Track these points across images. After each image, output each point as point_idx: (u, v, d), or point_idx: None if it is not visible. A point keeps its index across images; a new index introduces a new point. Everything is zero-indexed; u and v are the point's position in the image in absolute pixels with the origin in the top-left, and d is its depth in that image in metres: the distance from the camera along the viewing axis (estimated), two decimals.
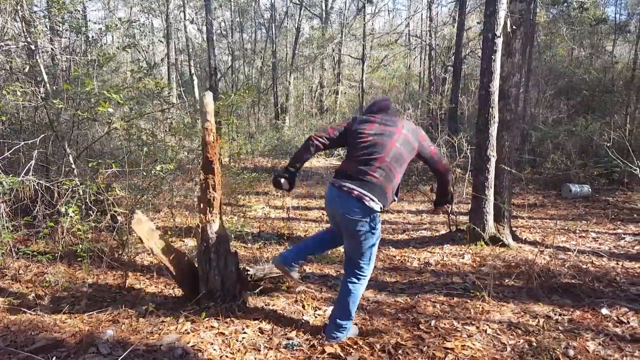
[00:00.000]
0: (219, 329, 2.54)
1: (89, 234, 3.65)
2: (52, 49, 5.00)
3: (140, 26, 14.55)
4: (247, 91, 6.19)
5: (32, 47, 4.56)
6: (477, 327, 2.62)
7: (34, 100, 4.21)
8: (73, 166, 4.24)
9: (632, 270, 3.64)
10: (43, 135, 4.10)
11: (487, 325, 2.65)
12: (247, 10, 19.58)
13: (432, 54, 15.25)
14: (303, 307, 2.90)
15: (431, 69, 15.33)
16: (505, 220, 4.51)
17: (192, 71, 16.64)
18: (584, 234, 4.93)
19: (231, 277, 2.82)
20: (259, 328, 2.57)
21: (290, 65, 17.90)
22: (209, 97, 2.66)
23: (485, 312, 2.86)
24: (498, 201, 4.42)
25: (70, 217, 3.46)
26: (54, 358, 2.21)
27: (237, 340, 2.43)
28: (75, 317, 2.75)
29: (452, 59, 12.36)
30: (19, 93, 3.81)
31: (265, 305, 2.90)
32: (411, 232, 5.22)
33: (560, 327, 2.62)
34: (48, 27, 5.24)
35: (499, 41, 4.19)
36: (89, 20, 10.78)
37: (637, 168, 4.94)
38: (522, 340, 2.47)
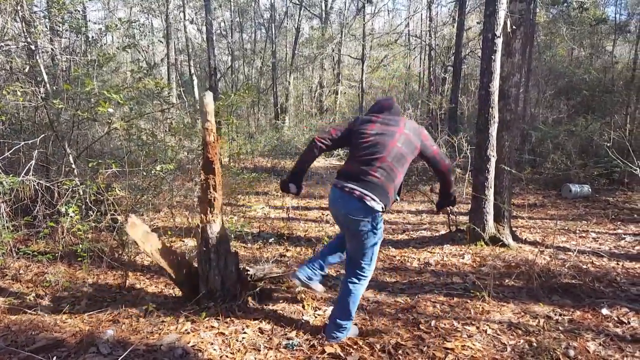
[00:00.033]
0: (219, 329, 2.55)
1: (89, 233, 3.65)
2: (52, 49, 5.00)
3: (140, 26, 14.55)
4: (246, 91, 6.19)
5: (32, 47, 4.57)
6: (477, 327, 2.62)
7: (34, 100, 4.21)
8: (73, 166, 4.24)
9: (633, 271, 3.64)
10: (43, 135, 4.11)
11: (487, 325, 2.65)
12: (247, 11, 19.59)
13: (432, 54, 15.25)
14: (303, 307, 2.90)
15: (431, 69, 15.32)
16: (505, 220, 4.50)
17: (192, 71, 16.64)
18: (584, 234, 4.93)
19: (231, 277, 2.82)
20: (259, 328, 2.57)
21: (290, 66, 17.91)
22: (209, 97, 2.65)
23: (485, 312, 2.86)
24: (498, 201, 4.42)
25: (71, 217, 3.46)
26: (55, 358, 2.21)
27: (237, 340, 2.43)
28: (76, 317, 2.75)
29: (452, 59, 12.35)
30: (19, 93, 3.82)
31: (265, 305, 2.90)
32: (411, 232, 5.21)
33: (560, 328, 2.62)
34: (48, 27, 5.24)
35: (499, 41, 4.19)
36: (89, 21, 10.80)
37: (638, 168, 4.94)
38: (522, 341, 2.47)
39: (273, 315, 2.75)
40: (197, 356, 2.27)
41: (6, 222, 3.49)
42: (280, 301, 2.97)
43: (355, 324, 2.60)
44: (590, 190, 7.10)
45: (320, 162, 11.36)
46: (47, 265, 3.63)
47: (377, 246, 2.37)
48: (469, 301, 3.02)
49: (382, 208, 2.27)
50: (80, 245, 3.42)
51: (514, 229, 4.80)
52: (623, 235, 4.85)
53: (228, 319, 2.65)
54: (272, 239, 4.67)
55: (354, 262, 2.39)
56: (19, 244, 4.02)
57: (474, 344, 2.41)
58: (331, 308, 2.66)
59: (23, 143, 3.86)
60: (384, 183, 2.26)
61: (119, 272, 3.53)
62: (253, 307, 2.86)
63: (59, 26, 5.39)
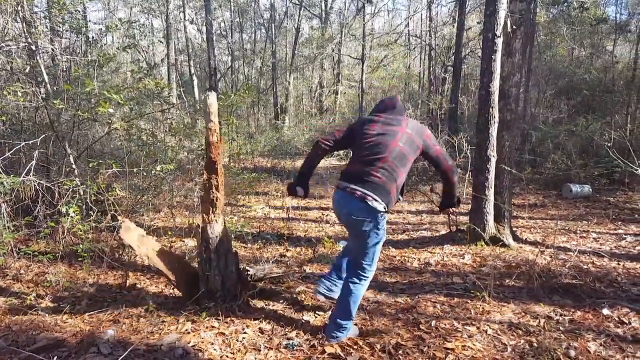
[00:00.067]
0: (219, 328, 2.55)
1: (89, 234, 3.66)
2: (52, 49, 5.01)
3: (140, 27, 14.54)
4: (246, 91, 6.19)
5: (33, 47, 4.57)
6: (478, 328, 2.62)
7: (35, 100, 4.22)
8: (73, 166, 4.25)
9: (634, 271, 3.64)
10: (44, 135, 4.11)
11: (488, 325, 2.65)
12: (247, 11, 19.61)
13: (432, 54, 15.23)
14: (303, 307, 2.90)
15: (431, 69, 15.30)
16: (506, 220, 4.50)
17: (192, 71, 16.66)
18: (584, 234, 4.93)
19: (231, 277, 2.82)
20: (259, 328, 2.58)
21: (290, 66, 17.91)
22: (212, 97, 2.64)
23: (485, 312, 2.86)
24: (498, 201, 4.42)
25: (71, 217, 3.46)
26: (55, 358, 2.21)
27: (237, 340, 2.43)
28: (76, 317, 2.75)
29: (452, 59, 12.34)
30: (19, 93, 3.82)
31: (266, 305, 2.90)
32: (411, 233, 5.21)
33: (561, 328, 2.62)
34: (48, 27, 5.25)
35: (499, 41, 4.19)
36: (89, 21, 10.79)
37: (638, 168, 4.94)
38: (522, 341, 2.47)
39: (273, 315, 2.75)
40: (197, 356, 2.27)
41: (7, 222, 3.50)
42: (281, 301, 2.97)
43: (356, 324, 2.60)
44: (590, 190, 7.09)
45: (320, 162, 11.36)
46: (48, 265, 3.63)
47: (378, 246, 2.37)
48: (469, 301, 3.02)
49: (384, 208, 2.28)
50: (81, 245, 3.43)
51: (514, 229, 4.80)
52: (624, 236, 4.85)
53: (228, 319, 2.65)
54: (273, 239, 4.67)
55: (356, 262, 2.40)
56: (19, 244, 4.02)
57: (474, 344, 2.41)
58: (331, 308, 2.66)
59: (24, 143, 3.86)
60: (385, 183, 2.27)
61: (119, 272, 3.54)
62: (253, 307, 2.86)
63: (60, 26, 5.40)
